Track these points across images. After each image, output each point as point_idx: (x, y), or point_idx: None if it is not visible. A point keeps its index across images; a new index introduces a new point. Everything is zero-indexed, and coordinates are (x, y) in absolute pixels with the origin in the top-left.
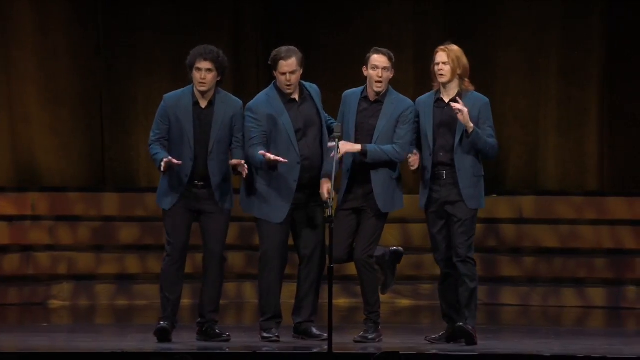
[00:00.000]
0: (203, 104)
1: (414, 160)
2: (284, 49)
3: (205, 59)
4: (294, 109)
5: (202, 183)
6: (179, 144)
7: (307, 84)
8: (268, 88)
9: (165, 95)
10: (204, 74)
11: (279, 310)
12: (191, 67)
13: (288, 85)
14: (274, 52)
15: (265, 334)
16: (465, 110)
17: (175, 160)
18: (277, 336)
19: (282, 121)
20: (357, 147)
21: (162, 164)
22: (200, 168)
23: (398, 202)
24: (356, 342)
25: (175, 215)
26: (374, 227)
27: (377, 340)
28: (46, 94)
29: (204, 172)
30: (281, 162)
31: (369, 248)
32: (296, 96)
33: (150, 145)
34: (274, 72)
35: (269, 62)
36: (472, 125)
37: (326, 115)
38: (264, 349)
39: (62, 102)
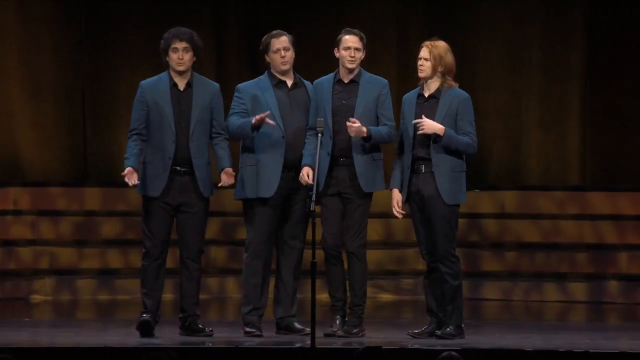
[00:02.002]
0: (181, 86)
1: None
2: (273, 32)
3: (181, 39)
4: (282, 90)
5: (184, 169)
6: (160, 128)
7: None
8: (261, 75)
9: (142, 82)
10: (182, 53)
11: (259, 301)
12: (166, 50)
13: (283, 62)
14: (264, 37)
15: (247, 329)
16: (427, 123)
17: (134, 181)
18: (260, 330)
19: (267, 98)
20: (364, 130)
21: (126, 178)
22: (182, 150)
23: (379, 184)
24: (339, 336)
25: (154, 212)
26: (361, 214)
27: (360, 334)
28: (29, 89)
29: (186, 154)
30: (269, 123)
31: (360, 236)
32: (288, 81)
33: (129, 136)
34: (267, 55)
35: (261, 48)
36: (440, 128)
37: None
38: (246, 344)
39: (45, 96)
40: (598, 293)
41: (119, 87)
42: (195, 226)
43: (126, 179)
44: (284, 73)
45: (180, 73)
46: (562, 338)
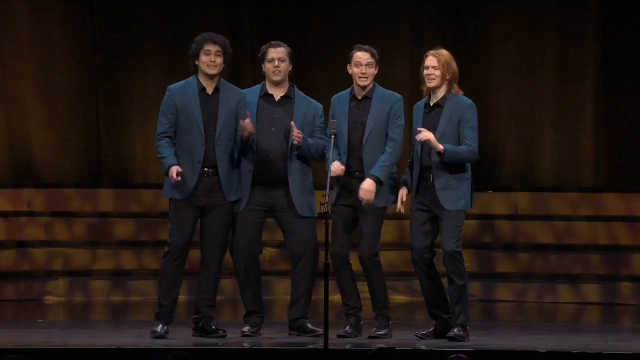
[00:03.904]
0: (210, 90)
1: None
2: (272, 42)
3: (215, 43)
4: (269, 102)
5: (212, 170)
6: (189, 132)
7: (311, 100)
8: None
9: (170, 87)
10: (214, 56)
11: (252, 304)
12: (197, 53)
13: (275, 73)
14: (263, 46)
15: (243, 329)
16: (429, 136)
17: (178, 176)
18: (254, 331)
19: (250, 110)
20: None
21: (173, 176)
22: (210, 153)
23: (392, 197)
24: (371, 337)
25: (181, 212)
26: (376, 225)
27: (389, 336)
28: (42, 90)
29: (213, 157)
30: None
31: (374, 246)
32: (277, 94)
33: (158, 140)
34: (263, 64)
35: (259, 56)
36: (441, 148)
37: (310, 140)
38: (260, 346)
39: (58, 98)
40: (612, 294)
41: (132, 89)
42: (219, 228)
43: (174, 178)
44: (276, 84)
45: (211, 77)
46: (575, 340)
